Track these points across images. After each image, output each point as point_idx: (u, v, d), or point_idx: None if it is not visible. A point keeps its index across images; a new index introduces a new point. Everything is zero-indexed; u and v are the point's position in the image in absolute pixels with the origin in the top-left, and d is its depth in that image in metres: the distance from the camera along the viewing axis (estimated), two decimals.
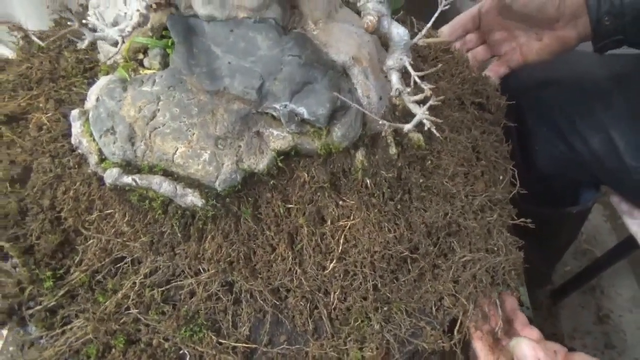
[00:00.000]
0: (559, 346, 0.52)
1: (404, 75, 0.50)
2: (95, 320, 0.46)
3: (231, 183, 0.48)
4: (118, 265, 0.51)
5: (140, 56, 0.53)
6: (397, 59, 0.41)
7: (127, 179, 0.47)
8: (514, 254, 0.56)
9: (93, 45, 0.63)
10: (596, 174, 0.75)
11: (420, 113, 0.38)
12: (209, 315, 0.48)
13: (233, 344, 0.47)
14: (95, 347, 0.46)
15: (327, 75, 0.49)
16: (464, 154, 0.61)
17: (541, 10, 0.64)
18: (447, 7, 0.37)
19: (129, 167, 0.48)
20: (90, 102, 0.50)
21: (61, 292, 0.49)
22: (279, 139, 0.50)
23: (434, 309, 0.51)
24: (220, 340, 0.47)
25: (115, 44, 0.42)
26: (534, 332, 0.54)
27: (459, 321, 0.51)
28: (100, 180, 0.51)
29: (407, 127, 0.39)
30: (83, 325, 0.47)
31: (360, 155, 0.53)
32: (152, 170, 0.48)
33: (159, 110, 0.47)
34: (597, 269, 1.14)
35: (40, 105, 0.59)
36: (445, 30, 0.76)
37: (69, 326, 0.47)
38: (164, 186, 0.47)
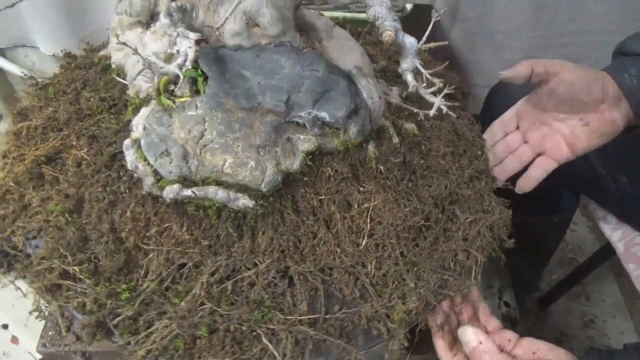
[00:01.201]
0: (513, 334, 0.60)
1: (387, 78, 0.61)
2: (177, 317, 0.53)
3: (274, 184, 0.57)
4: (181, 271, 0.57)
5: (172, 87, 0.60)
6: (410, 62, 0.51)
7: (187, 192, 0.54)
8: (505, 212, 0.67)
9: (109, 85, 0.70)
10: (573, 182, 0.79)
11: (438, 100, 0.49)
12: (271, 299, 0.56)
13: (298, 317, 0.55)
14: (182, 340, 0.52)
15: (340, 83, 0.59)
16: (448, 136, 0.73)
17: (587, 90, 0.64)
18: (438, 19, 0.48)
19: (185, 182, 0.55)
20: (138, 132, 0.57)
21: (138, 301, 0.55)
22: (305, 142, 0.59)
23: (452, 264, 0.62)
24: (287, 317, 0.55)
25: (176, 77, 0.50)
26: (494, 322, 0.62)
27: (473, 270, 0.62)
28: (155, 199, 0.58)
29: (432, 112, 0.49)
30: (167, 325, 0.53)
31: (371, 147, 0.63)
32: (205, 182, 0.56)
33: (206, 130, 0.55)
34: (581, 274, 1.20)
35: (74, 143, 0.65)
36: (487, 137, 0.77)
37: (152, 328, 0.54)
38: (219, 194, 0.55)
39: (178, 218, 0.57)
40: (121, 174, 0.60)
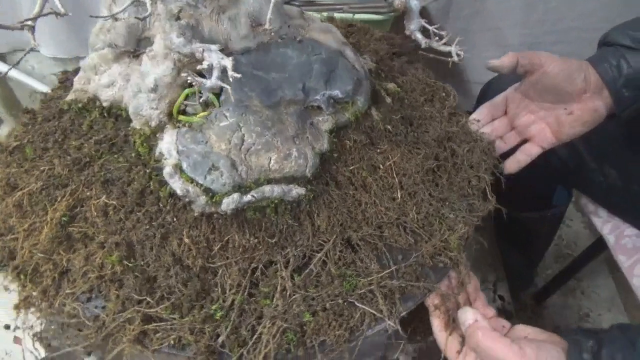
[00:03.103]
0: (507, 322, 0.64)
1: None
2: (280, 314, 0.55)
3: (315, 167, 0.60)
4: (255, 274, 0.59)
5: (182, 106, 0.60)
6: (417, 23, 0.57)
7: (248, 197, 0.56)
8: (486, 138, 0.78)
9: (96, 127, 0.66)
10: (565, 177, 0.83)
11: (454, 48, 0.56)
12: (348, 269, 0.60)
13: (378, 276, 0.60)
14: (292, 332, 0.55)
15: (340, 61, 0.63)
16: (418, 86, 0.81)
17: (569, 81, 0.68)
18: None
19: (240, 189, 0.56)
20: (173, 158, 0.56)
21: (233, 315, 0.55)
22: (325, 122, 0.63)
23: (469, 189, 0.71)
24: (369, 279, 0.60)
25: (211, 88, 0.50)
26: (490, 311, 0.65)
27: (487, 190, 0.72)
28: (209, 217, 0.58)
29: (454, 58, 0.56)
30: (271, 324, 0.55)
31: (374, 112, 0.69)
32: (257, 183, 0.57)
33: (244, 135, 0.57)
34: (575, 268, 1.23)
35: (87, 194, 0.61)
36: (475, 116, 0.80)
37: (257, 333, 0.55)
38: (275, 190, 0.57)
39: (238, 227, 0.58)
40: (160, 205, 0.59)
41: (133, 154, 0.63)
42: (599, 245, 1.06)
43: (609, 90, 0.66)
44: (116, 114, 0.65)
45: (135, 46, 0.59)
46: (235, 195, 0.55)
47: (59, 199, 0.61)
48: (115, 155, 0.64)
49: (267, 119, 0.58)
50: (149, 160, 0.61)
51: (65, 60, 1.14)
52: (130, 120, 0.63)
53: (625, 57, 0.65)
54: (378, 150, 0.68)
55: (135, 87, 0.58)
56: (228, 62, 0.49)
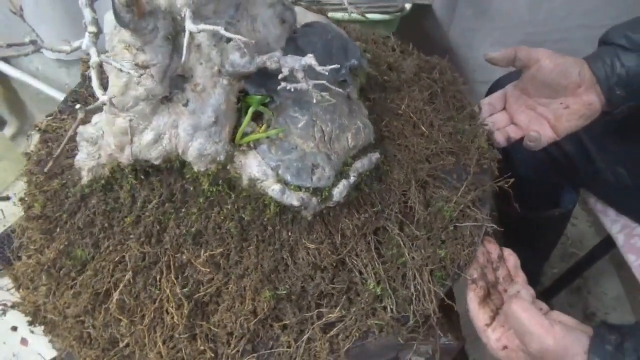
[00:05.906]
0: (545, 305, 0.62)
1: None
2: (422, 262, 0.61)
3: (374, 131, 0.65)
4: (374, 246, 0.63)
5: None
6: None
7: (352, 179, 0.58)
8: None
9: (140, 193, 0.60)
10: (572, 177, 0.81)
11: None
12: (435, 202, 0.67)
13: (457, 197, 0.68)
14: (438, 269, 0.61)
15: (343, 35, 0.67)
16: (368, 38, 0.88)
17: (565, 75, 0.68)
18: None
19: (342, 177, 0.59)
20: (271, 176, 0.55)
21: (387, 285, 0.59)
22: (353, 91, 0.68)
23: (458, 103, 0.82)
24: (456, 203, 0.67)
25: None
26: (530, 290, 0.64)
27: (469, 101, 0.84)
28: (320, 215, 0.59)
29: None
30: (419, 274, 0.60)
31: (372, 70, 0.75)
32: (347, 165, 0.60)
33: (321, 126, 0.58)
34: (582, 267, 1.21)
35: (183, 258, 0.57)
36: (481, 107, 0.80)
37: (412, 287, 0.60)
38: (365, 163, 0.61)
39: (347, 212, 0.61)
40: (270, 228, 0.58)
41: (201, 200, 0.59)
42: (606, 244, 1.05)
43: (601, 87, 0.68)
44: (158, 169, 0.59)
45: (169, 89, 0.55)
46: (344, 182, 0.58)
47: (158, 277, 0.56)
48: (184, 210, 0.59)
49: (329, 106, 0.60)
50: (224, 197, 0.59)
51: (70, 62, 1.10)
52: (180, 170, 0.59)
53: (620, 56, 0.67)
54: (389, 100, 0.75)
55: (190, 129, 0.55)
56: (311, 60, 0.50)
